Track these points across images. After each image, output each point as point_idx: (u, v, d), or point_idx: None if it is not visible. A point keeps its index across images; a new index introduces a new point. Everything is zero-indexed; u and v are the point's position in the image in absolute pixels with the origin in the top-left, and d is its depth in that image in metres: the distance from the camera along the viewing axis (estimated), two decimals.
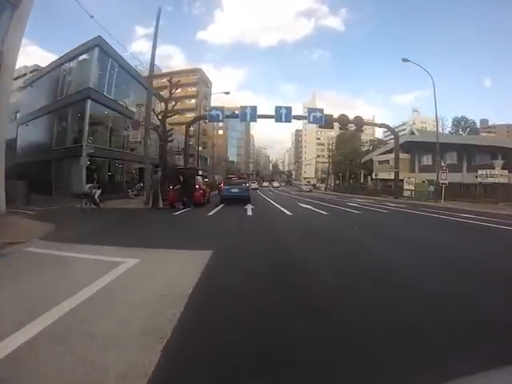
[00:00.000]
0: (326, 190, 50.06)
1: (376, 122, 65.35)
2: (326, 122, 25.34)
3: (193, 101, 56.82)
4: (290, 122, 24.70)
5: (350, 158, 52.06)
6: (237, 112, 24.30)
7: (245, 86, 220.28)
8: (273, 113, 24.32)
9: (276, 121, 23.96)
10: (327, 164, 74.28)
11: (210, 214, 11.55)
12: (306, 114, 24.89)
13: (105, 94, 21.37)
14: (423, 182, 30.50)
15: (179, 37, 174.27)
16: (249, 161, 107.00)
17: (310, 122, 25.09)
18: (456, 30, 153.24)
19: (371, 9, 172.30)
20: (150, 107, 16.87)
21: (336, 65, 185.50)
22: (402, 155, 39.32)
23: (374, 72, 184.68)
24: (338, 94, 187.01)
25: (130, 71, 25.61)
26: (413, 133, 38.17)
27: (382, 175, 38.94)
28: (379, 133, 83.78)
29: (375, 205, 18.15)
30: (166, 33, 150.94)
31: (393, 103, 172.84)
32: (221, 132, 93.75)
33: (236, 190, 16.40)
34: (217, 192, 23.73)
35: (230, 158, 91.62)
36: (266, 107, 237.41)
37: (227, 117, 24.60)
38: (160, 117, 20.94)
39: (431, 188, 26.96)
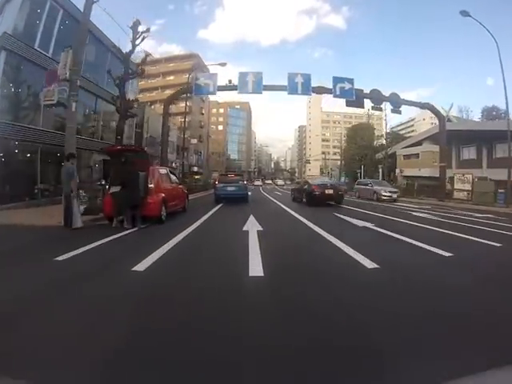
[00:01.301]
0: None
1: (382, 118, 57.80)
2: (356, 96, 17.88)
3: None
4: (309, 94, 17.29)
5: (365, 152, 44.63)
6: (234, 82, 16.81)
7: None
8: (283, 83, 16.89)
9: (289, 93, 16.52)
10: (332, 161, 67.01)
11: (144, 267, 4.02)
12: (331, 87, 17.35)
13: (36, 48, 13.91)
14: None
15: (180, 35, 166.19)
16: (250, 158, 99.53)
17: (336, 96, 17.63)
18: (456, 28, 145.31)
19: (373, 7, 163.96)
20: (83, 51, 9.48)
21: (338, 63, 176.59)
22: (433, 147, 31.83)
23: (375, 70, 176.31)
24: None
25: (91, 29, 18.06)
26: (449, 120, 30.66)
27: (410, 172, 31.43)
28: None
29: (455, 216, 10.77)
30: (167, 31, 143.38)
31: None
32: (221, 127, 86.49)
33: (232, 188, 13.75)
34: (213, 191, 17.19)
35: (231, 155, 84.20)
36: (265, 105, 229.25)
37: (221, 89, 17.11)
38: (118, 81, 13.71)
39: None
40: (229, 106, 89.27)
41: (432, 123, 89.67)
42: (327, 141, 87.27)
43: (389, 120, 37.07)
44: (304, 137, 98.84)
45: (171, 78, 49.97)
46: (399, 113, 21.02)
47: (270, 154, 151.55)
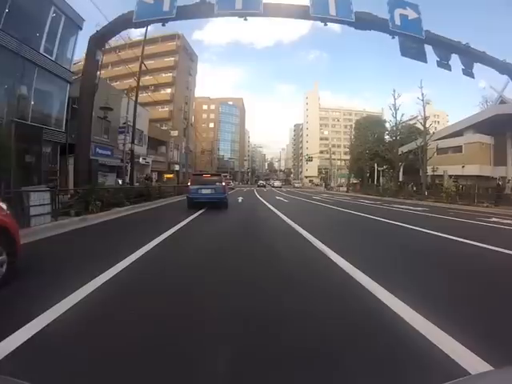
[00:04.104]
0: (347, 191, 34.81)
1: (383, 117, 50.42)
2: (425, 36, 10.00)
3: (169, 74, 40.85)
4: (350, 18, 8.88)
5: (376, 149, 37.07)
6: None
7: (241, 85, 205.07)
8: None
9: (315, 13, 8.43)
10: (332, 161, 59.24)
11: None
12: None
13: None
14: None
15: None
16: (243, 158, 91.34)
17: (394, 30, 9.74)
18: (454, 28, 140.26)
19: (367, 9, 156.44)
20: None
21: (332, 65, 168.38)
22: (477, 137, 24.22)
23: (370, 73, 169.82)
24: (335, 95, 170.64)
25: None
26: (503, 101, 23.02)
27: (451, 170, 23.63)
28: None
29: None
30: (162, 32, 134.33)
31: (389, 102, 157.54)
32: (212, 125, 78.11)
33: (208, 191, 10.95)
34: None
35: (224, 155, 75.80)
36: (259, 105, 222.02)
37: (187, 14, 8.99)
38: None
39: None
40: (221, 102, 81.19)
41: (435, 121, 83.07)
42: (326, 139, 79.54)
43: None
44: (300, 135, 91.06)
45: (151, 62, 41.34)
46: (472, 76, 13.18)
47: (264, 155, 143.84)
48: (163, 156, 32.90)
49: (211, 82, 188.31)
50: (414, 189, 21.26)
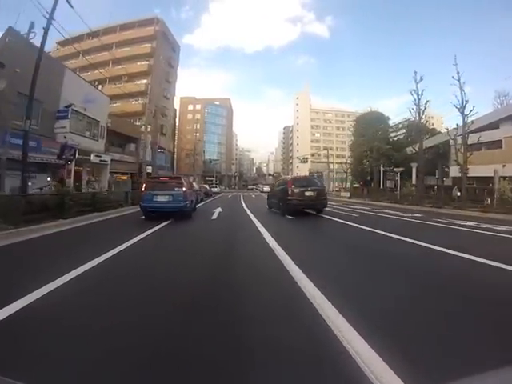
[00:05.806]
0: (350, 197, 30.04)
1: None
2: None
3: (145, 63, 35.18)
4: None
5: (381, 148, 32.71)
6: None
7: (230, 90, 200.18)
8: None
9: None
10: (323, 164, 54.94)
11: None
12: None
13: None
14: None
15: None
16: (231, 161, 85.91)
17: None
18: (444, 32, 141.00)
19: (356, 17, 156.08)
20: None
21: (321, 71, 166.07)
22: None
23: (357, 79, 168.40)
24: (325, 100, 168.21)
25: None
26: None
27: (478, 170, 19.07)
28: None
29: None
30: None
31: (380, 107, 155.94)
32: (197, 126, 72.52)
33: (165, 199, 9.04)
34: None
35: (211, 157, 70.19)
36: (247, 109, 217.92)
37: None
38: None
39: None
40: (207, 102, 75.79)
41: (433, 123, 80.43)
42: (317, 141, 75.36)
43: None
44: (291, 138, 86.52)
45: (127, 48, 35.65)
46: None
47: (252, 159, 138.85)
48: (133, 155, 27.24)
49: (200, 86, 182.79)
50: (459, 194, 16.46)
